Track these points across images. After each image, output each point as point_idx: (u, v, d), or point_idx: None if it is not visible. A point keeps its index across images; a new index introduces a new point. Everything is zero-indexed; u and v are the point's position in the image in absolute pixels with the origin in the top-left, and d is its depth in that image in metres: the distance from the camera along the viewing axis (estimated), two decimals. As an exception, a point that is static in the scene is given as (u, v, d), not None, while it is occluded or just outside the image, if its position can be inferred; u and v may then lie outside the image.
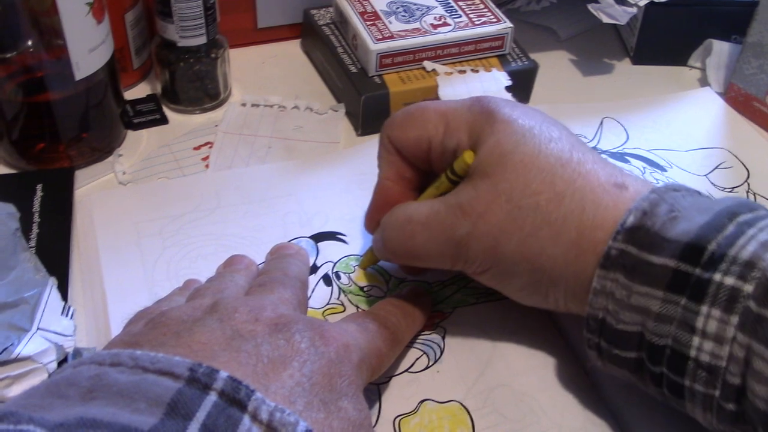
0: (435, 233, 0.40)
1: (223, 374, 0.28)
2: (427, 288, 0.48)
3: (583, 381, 0.43)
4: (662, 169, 0.58)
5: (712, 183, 0.58)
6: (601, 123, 0.62)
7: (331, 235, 0.51)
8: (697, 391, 0.34)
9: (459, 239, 0.39)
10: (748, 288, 0.33)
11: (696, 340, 0.33)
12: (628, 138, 0.61)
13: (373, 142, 0.57)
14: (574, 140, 0.41)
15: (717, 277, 0.33)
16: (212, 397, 0.27)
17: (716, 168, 0.59)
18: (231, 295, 0.38)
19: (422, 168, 0.45)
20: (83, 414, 0.26)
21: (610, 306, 0.37)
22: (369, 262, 0.48)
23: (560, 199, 0.38)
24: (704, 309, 0.33)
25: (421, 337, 0.45)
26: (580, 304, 0.39)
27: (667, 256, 0.35)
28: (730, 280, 0.33)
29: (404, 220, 0.42)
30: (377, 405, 0.41)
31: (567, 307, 0.40)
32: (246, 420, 0.27)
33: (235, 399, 0.27)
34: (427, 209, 0.41)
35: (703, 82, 0.69)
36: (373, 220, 0.46)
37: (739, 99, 0.65)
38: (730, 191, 0.57)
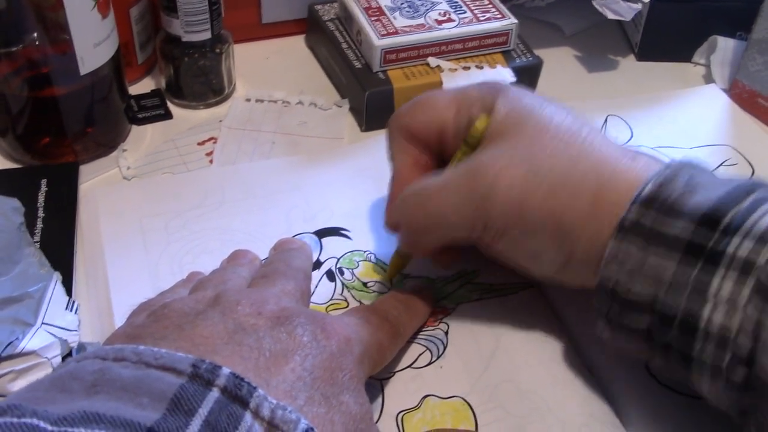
0: (453, 194, 0.40)
1: (226, 371, 0.28)
2: (430, 284, 0.48)
3: (586, 377, 0.43)
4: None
5: (716, 180, 0.58)
6: (606, 120, 0.62)
7: (335, 231, 0.51)
8: (705, 360, 0.34)
9: (479, 198, 0.39)
10: (761, 260, 0.33)
11: (706, 310, 0.34)
12: (632, 135, 0.61)
13: (377, 137, 0.58)
14: (582, 119, 0.41)
15: (731, 248, 0.34)
16: (215, 394, 0.27)
17: (721, 165, 0.59)
18: (233, 288, 0.38)
19: (435, 152, 0.45)
20: (87, 408, 0.26)
21: (622, 275, 0.37)
22: (396, 269, 0.47)
23: (575, 163, 0.39)
24: (716, 279, 0.34)
25: (424, 332, 0.45)
26: (593, 273, 0.38)
27: (683, 226, 0.35)
28: (744, 252, 0.33)
29: (420, 187, 0.42)
30: (380, 400, 0.41)
31: (579, 275, 0.40)
32: (248, 417, 0.27)
33: (237, 396, 0.27)
34: (444, 174, 0.41)
35: (708, 78, 0.68)
36: (393, 214, 0.45)
37: (743, 96, 0.65)
38: (734, 188, 0.57)
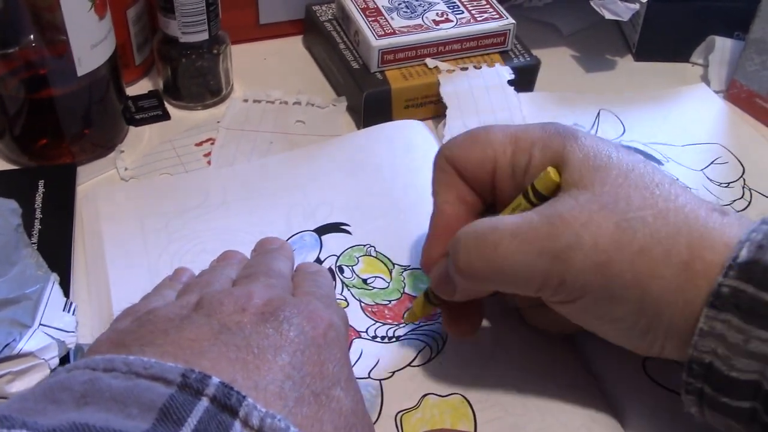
0: (527, 243, 0.35)
1: (215, 380, 0.28)
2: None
3: (585, 378, 0.43)
4: (659, 162, 0.58)
5: (708, 178, 0.58)
6: (598, 114, 0.63)
7: (335, 227, 0.51)
8: None
9: (558, 251, 0.34)
10: None
11: None
12: (624, 130, 0.61)
13: (374, 127, 0.58)
14: (657, 167, 0.38)
15: None
16: (204, 403, 0.27)
17: (712, 163, 0.59)
18: (217, 289, 0.38)
19: (484, 193, 0.42)
20: (76, 419, 0.25)
21: (720, 350, 0.33)
22: (421, 311, 0.44)
23: (665, 216, 0.35)
24: None
25: (423, 327, 0.45)
26: (680, 345, 0.35)
27: None
28: None
29: (488, 228, 0.37)
30: (379, 401, 0.41)
31: (663, 348, 0.36)
32: (237, 426, 0.27)
33: (227, 405, 0.27)
34: (517, 218, 0.36)
35: (706, 78, 0.69)
36: (433, 253, 0.41)
37: (741, 96, 0.65)
38: (726, 186, 0.57)
